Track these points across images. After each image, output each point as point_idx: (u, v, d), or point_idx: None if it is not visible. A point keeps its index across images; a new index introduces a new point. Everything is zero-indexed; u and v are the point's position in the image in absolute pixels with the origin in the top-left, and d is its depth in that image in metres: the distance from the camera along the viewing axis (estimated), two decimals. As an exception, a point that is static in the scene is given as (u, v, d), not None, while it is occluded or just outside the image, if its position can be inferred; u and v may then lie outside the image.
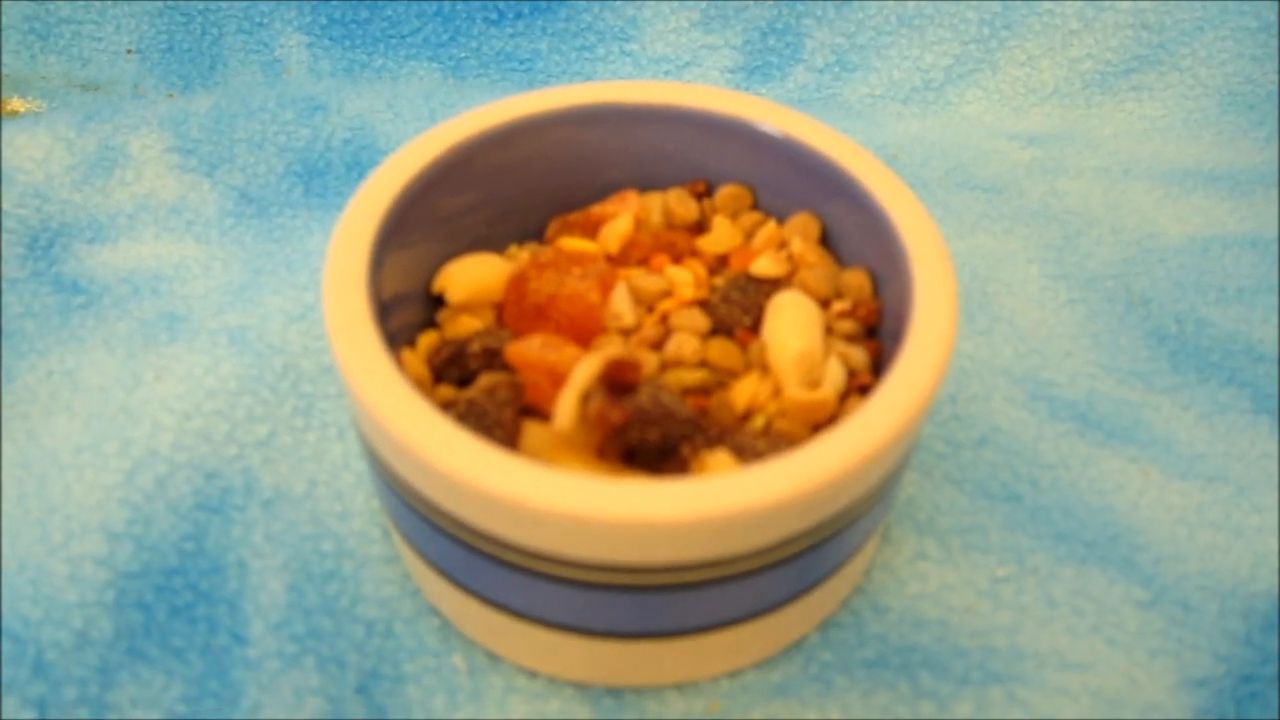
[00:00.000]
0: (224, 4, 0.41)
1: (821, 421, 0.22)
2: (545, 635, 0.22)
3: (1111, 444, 0.28)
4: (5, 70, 0.40)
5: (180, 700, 0.22)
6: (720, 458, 0.21)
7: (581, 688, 0.23)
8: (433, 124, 0.37)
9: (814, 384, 0.22)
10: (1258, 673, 0.24)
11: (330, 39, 0.41)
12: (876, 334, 0.24)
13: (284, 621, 0.24)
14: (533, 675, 0.23)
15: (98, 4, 0.41)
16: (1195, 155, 0.38)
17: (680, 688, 0.23)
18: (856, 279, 0.24)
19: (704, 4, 0.40)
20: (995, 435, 0.28)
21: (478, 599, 0.22)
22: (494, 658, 0.23)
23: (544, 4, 0.41)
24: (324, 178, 0.35)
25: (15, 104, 0.38)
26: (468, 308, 0.25)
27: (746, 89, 0.40)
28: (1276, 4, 0.39)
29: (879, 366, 0.23)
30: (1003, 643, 0.24)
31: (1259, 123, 0.39)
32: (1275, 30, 0.39)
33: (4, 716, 0.22)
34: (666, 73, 0.41)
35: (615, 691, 0.23)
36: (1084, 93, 0.40)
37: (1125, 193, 0.36)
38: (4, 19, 0.40)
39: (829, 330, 0.23)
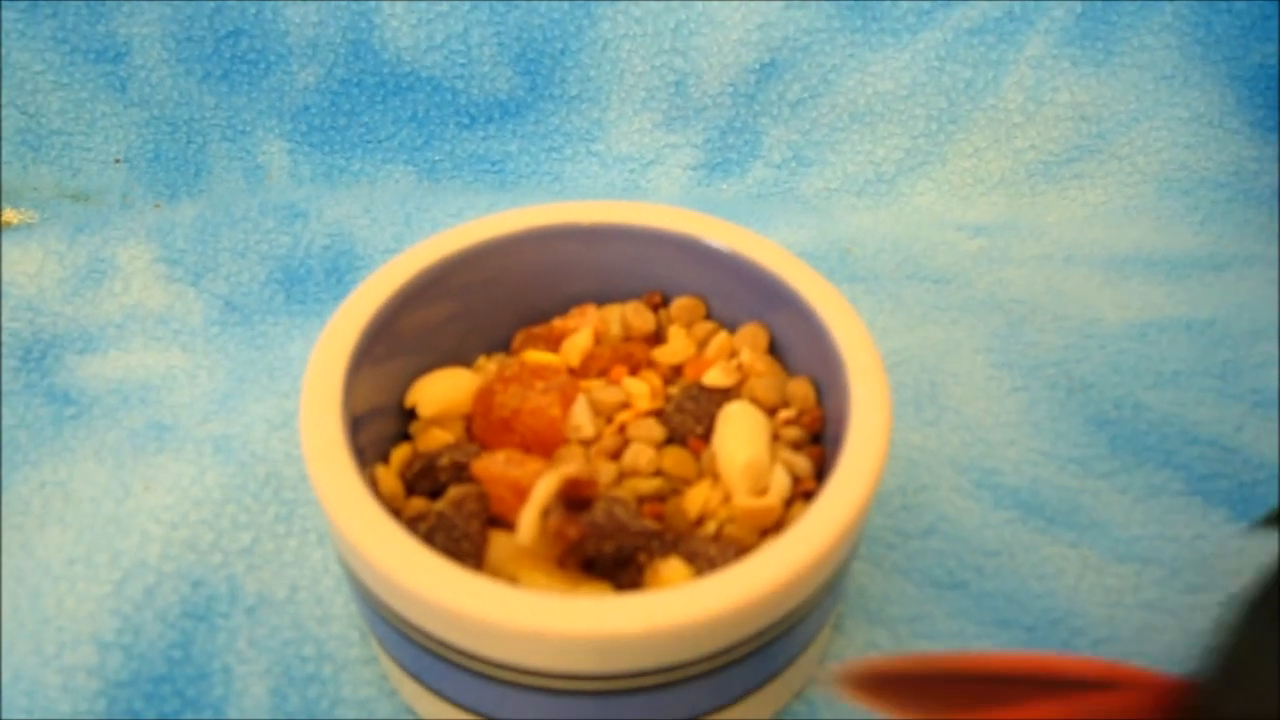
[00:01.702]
0: (207, 113, 0.43)
1: (769, 526, 0.23)
2: (514, 735, 0.23)
3: (1052, 530, 0.29)
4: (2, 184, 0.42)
5: (169, 806, 0.24)
6: (673, 565, 0.22)
7: (550, 784, 0.24)
8: (408, 228, 0.39)
9: (761, 491, 0.24)
10: (1191, 751, 0.25)
11: (310, 145, 0.43)
12: (820, 439, 0.25)
13: (267, 726, 0.25)
14: (504, 772, 0.24)
15: (86, 115, 0.43)
16: (1134, 240, 0.40)
17: (643, 781, 0.24)
18: (801, 388, 0.26)
19: (665, 105, 0.43)
20: (942, 524, 0.29)
21: (450, 702, 0.23)
22: (467, 756, 0.25)
23: (513, 108, 0.43)
24: (304, 284, 0.37)
25: (9, 215, 0.40)
26: (438, 421, 0.26)
27: (708, 185, 0.42)
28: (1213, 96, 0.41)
29: (822, 471, 0.25)
30: (948, 729, 0.25)
31: (1194, 207, 0.41)
32: (1207, 119, 0.42)
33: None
34: (632, 170, 0.43)
35: (582, 786, 0.24)
36: (1028, 182, 0.42)
37: (1067, 280, 0.38)
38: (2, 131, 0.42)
39: (776, 437, 0.25)
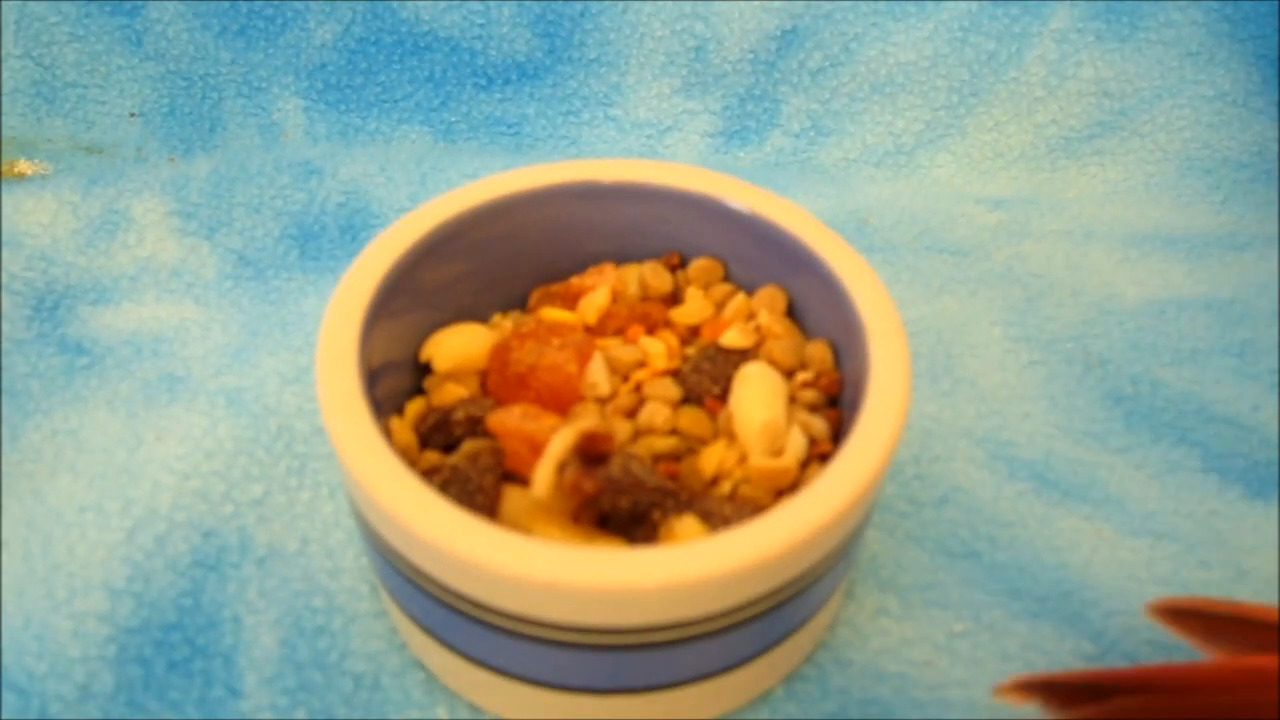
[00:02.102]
0: (223, 68, 0.43)
1: (784, 487, 0.23)
2: (525, 690, 0.23)
3: (1067, 503, 0.29)
4: (12, 133, 0.41)
5: (177, 752, 0.24)
6: (688, 523, 0.22)
7: (559, 739, 0.24)
8: (424, 187, 0.38)
9: (777, 452, 0.24)
10: None
11: (326, 103, 0.43)
12: (838, 403, 0.25)
13: (276, 675, 0.25)
14: (513, 727, 0.24)
15: (102, 68, 0.43)
16: (1154, 219, 0.39)
17: (651, 740, 0.24)
18: (819, 351, 0.25)
19: (684, 71, 0.42)
20: (956, 494, 0.29)
21: (460, 655, 0.23)
22: (476, 710, 0.25)
23: (531, 70, 0.42)
24: (319, 241, 0.36)
25: (22, 166, 0.40)
26: (453, 376, 0.26)
27: (725, 153, 0.42)
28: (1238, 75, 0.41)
29: (839, 434, 0.24)
30: (957, 695, 0.25)
31: (1215, 187, 0.41)
32: (1230, 98, 0.41)
33: (9, 768, 0.23)
34: (649, 136, 0.42)
35: (590, 743, 0.24)
36: (1049, 157, 0.42)
37: (1086, 255, 0.37)
38: (11, 83, 0.42)
39: (792, 399, 0.25)
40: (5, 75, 0.42)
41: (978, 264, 0.37)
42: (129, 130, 0.42)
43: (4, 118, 0.41)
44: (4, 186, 0.37)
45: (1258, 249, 0.38)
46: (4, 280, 0.33)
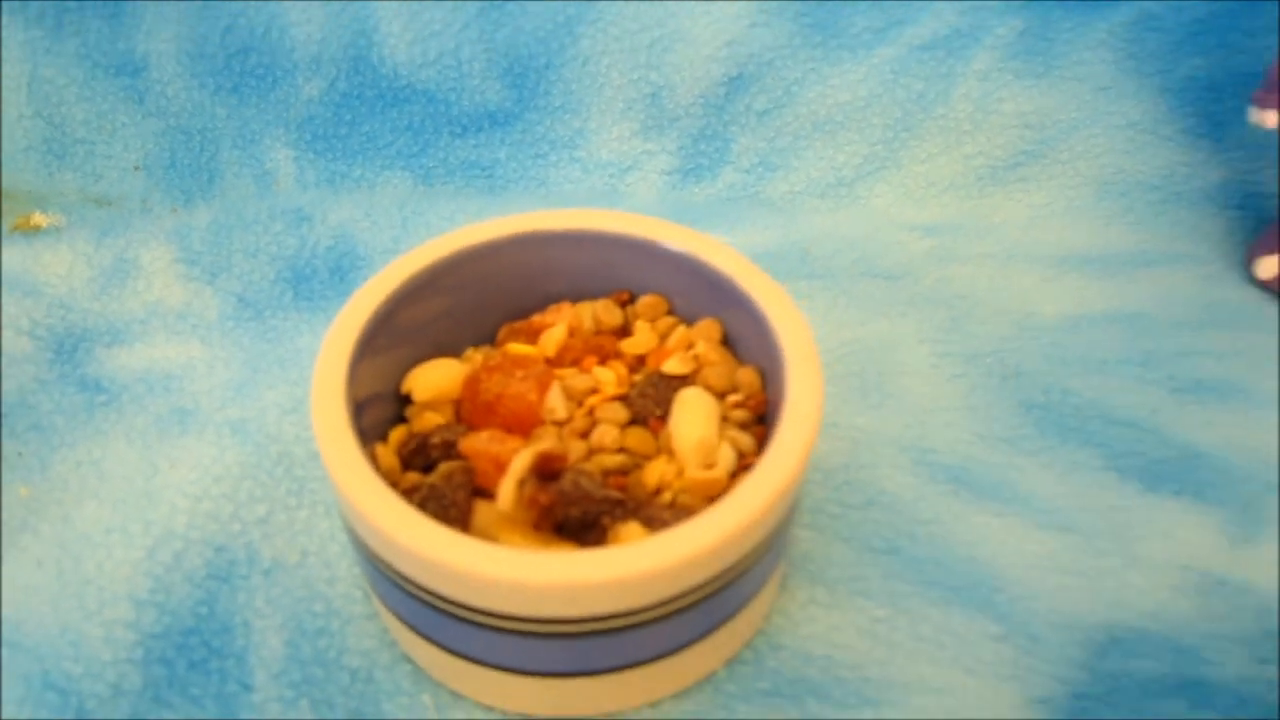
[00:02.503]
0: (219, 123, 0.46)
1: (716, 495, 0.27)
2: (497, 676, 0.26)
3: (981, 502, 0.33)
4: (27, 187, 0.45)
5: (198, 739, 0.27)
6: (632, 528, 0.26)
7: (529, 719, 0.28)
8: (405, 230, 0.42)
9: (710, 465, 0.27)
10: (1090, 691, 0.29)
11: (314, 153, 0.46)
12: (765, 421, 0.29)
13: (282, 671, 0.28)
14: (489, 710, 0.28)
15: (108, 126, 0.46)
16: (1072, 240, 0.43)
17: (610, 717, 0.28)
18: (749, 376, 0.29)
19: (642, 115, 0.46)
20: (881, 497, 0.33)
21: (442, 648, 0.27)
22: (457, 696, 0.28)
23: (502, 118, 0.46)
24: (310, 282, 0.40)
25: (38, 219, 0.43)
26: (431, 405, 0.30)
27: (682, 189, 0.46)
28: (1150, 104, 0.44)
29: (764, 448, 0.28)
30: (876, 673, 0.29)
31: (1129, 209, 0.44)
32: (1142, 126, 0.45)
33: (54, 756, 0.26)
34: (611, 175, 0.46)
35: (557, 722, 0.28)
36: (977, 185, 0.45)
37: (1008, 276, 0.41)
38: (24, 140, 0.46)
39: (725, 419, 0.28)
40: (19, 134, 0.46)
41: (909, 287, 0.40)
42: (134, 183, 0.46)
43: (19, 174, 0.45)
44: (22, 239, 0.41)
45: (1164, 266, 0.42)
46: (28, 326, 0.37)
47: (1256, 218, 0.44)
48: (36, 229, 0.43)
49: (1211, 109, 0.45)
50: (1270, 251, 0.41)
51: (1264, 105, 0.40)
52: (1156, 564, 0.31)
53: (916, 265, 0.42)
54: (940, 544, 0.32)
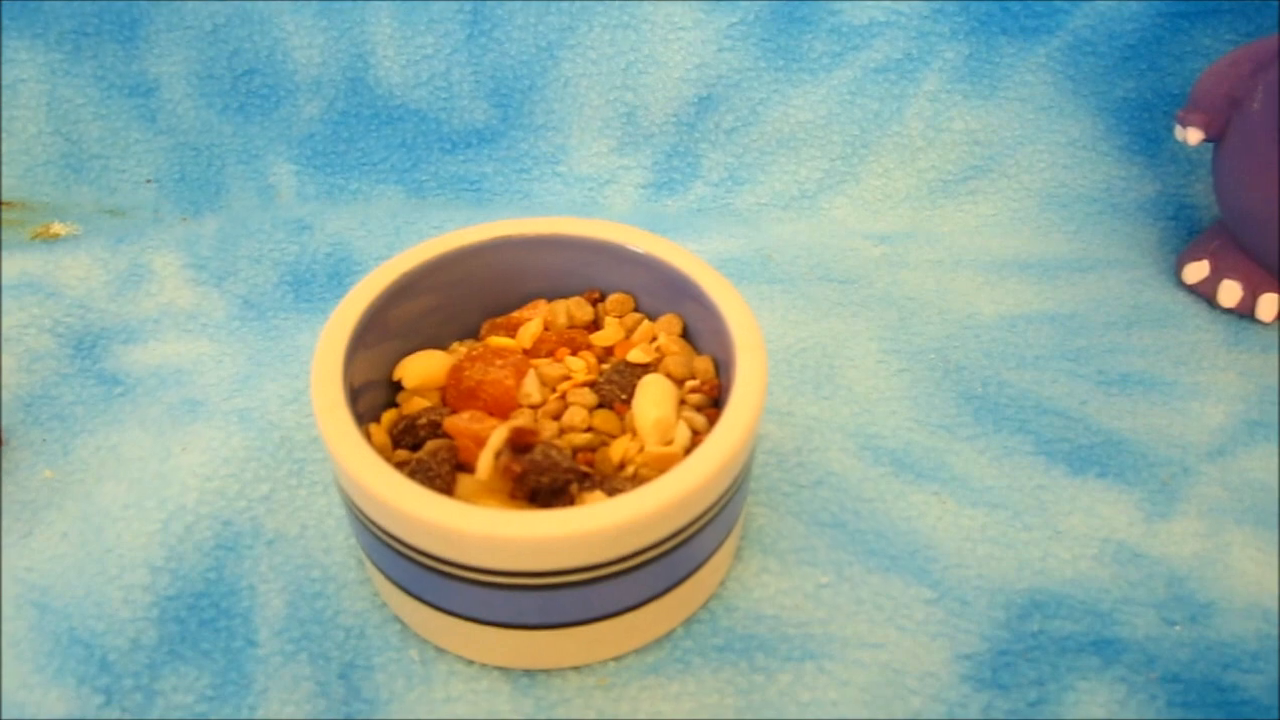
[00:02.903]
0: (226, 139, 0.50)
1: (672, 469, 0.30)
2: (476, 630, 0.30)
3: (919, 482, 0.36)
4: (46, 199, 0.49)
5: (209, 687, 0.30)
6: (596, 496, 0.29)
7: (504, 671, 0.31)
8: (398, 238, 0.45)
9: (667, 442, 0.31)
10: (1011, 648, 0.32)
11: (314, 167, 0.50)
12: (719, 404, 0.32)
13: (284, 629, 0.32)
14: (469, 663, 0.31)
15: (121, 142, 0.50)
16: (1015, 247, 0.47)
17: (578, 669, 0.31)
18: (704, 364, 0.32)
19: (619, 133, 0.50)
20: (829, 477, 0.36)
21: (426, 605, 0.30)
22: (440, 651, 0.31)
23: (489, 135, 0.50)
24: (310, 286, 0.44)
25: (56, 228, 0.47)
26: (419, 391, 0.33)
27: (656, 201, 0.49)
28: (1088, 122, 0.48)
29: (717, 427, 0.31)
30: (818, 631, 0.32)
31: (1069, 219, 0.48)
32: (1082, 143, 0.48)
33: (80, 702, 0.30)
34: (590, 189, 0.49)
35: (529, 673, 0.31)
36: (930, 197, 0.49)
37: (954, 280, 0.45)
38: (44, 155, 0.49)
39: (683, 402, 0.32)
40: (39, 150, 0.49)
41: (861, 290, 0.44)
42: (146, 195, 0.49)
43: (39, 186, 0.49)
44: (43, 246, 0.44)
45: (1099, 270, 0.45)
46: (50, 326, 0.40)
47: (1187, 228, 0.48)
48: (55, 237, 0.46)
49: (1145, 127, 0.48)
50: (1198, 258, 0.45)
51: (1186, 123, 0.43)
52: (1078, 537, 0.35)
53: (869, 270, 0.45)
54: (882, 519, 0.35)
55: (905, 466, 0.37)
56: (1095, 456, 0.37)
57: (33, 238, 0.46)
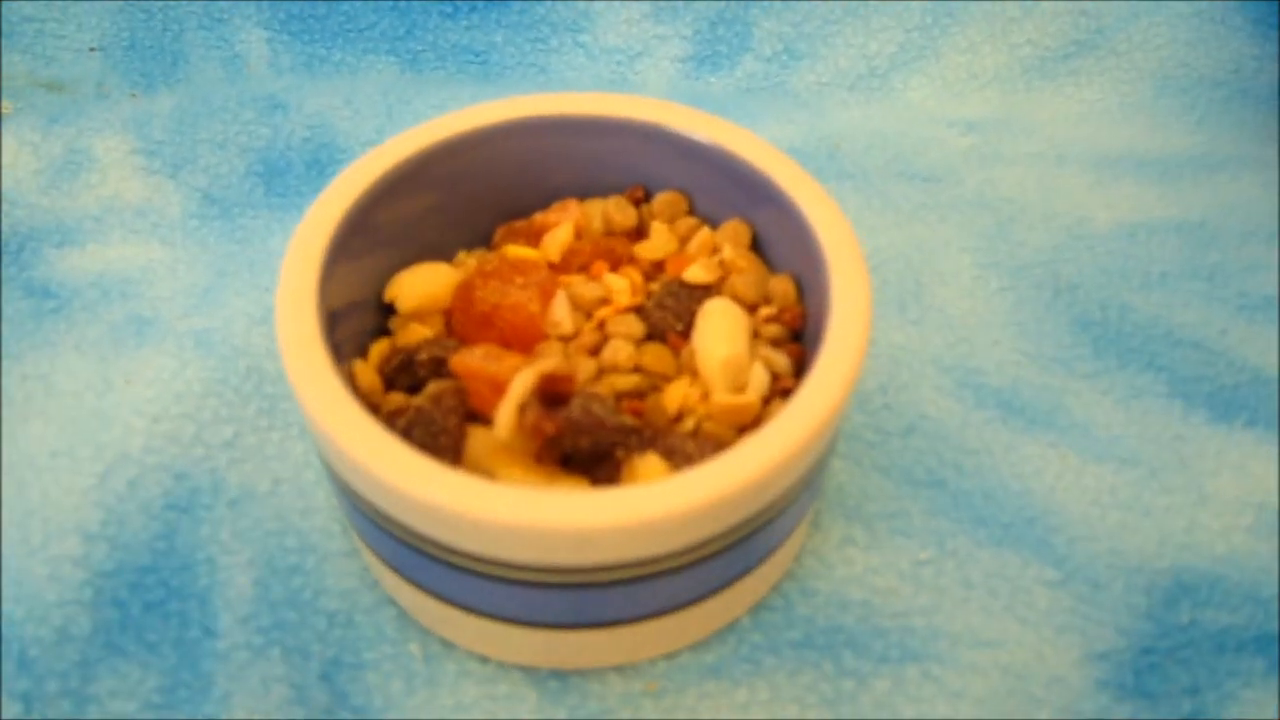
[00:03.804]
0: (185, 1, 0.42)
1: (747, 423, 0.23)
2: (493, 626, 0.23)
3: (1032, 430, 0.30)
4: (-30, 69, 0.41)
5: (155, 691, 0.24)
6: (650, 461, 0.22)
7: (529, 671, 0.25)
8: (390, 120, 0.38)
9: (740, 388, 0.24)
10: (1157, 645, 0.26)
11: (289, 34, 0.42)
12: (800, 338, 0.25)
13: (251, 615, 0.25)
14: (484, 660, 0.25)
15: (60, 2, 0.42)
16: (1127, 140, 0.39)
17: (620, 669, 0.25)
18: (783, 285, 0.25)
19: (654, -5, 0.42)
20: (922, 423, 0.29)
21: (430, 594, 0.23)
22: (448, 645, 0.25)
23: (498, -3, 0.42)
24: (284, 177, 0.36)
25: (-18, 105, 0.39)
26: (417, 315, 0.26)
27: (696, 79, 0.42)
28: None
29: (801, 370, 0.25)
30: (921, 623, 0.25)
31: (1191, 106, 0.40)
32: (1209, 16, 0.41)
33: (-9, 710, 0.23)
34: (618, 63, 0.42)
35: (560, 674, 0.25)
36: (1023, 78, 0.41)
37: (1058, 179, 0.37)
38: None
39: (755, 335, 0.25)
40: (-40, 10, 0.41)
41: (948, 189, 0.36)
42: (89, 65, 0.41)
43: (-39, 54, 0.41)
44: (-37, 126, 0.37)
45: (1230, 170, 0.38)
46: (-34, 223, 0.33)
47: (1331, 118, 0.40)
48: (-20, 115, 0.39)
49: (1286, -5, 0.40)
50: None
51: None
52: (1228, 502, 0.28)
53: (956, 166, 0.37)
54: (989, 476, 0.28)
55: (1014, 410, 0.30)
56: (1242, 399, 0.31)
57: (-47, 115, 0.39)
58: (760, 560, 0.24)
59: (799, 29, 0.42)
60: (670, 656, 0.25)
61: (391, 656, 0.25)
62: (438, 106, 0.38)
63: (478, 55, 0.42)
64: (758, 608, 0.26)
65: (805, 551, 0.27)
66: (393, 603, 0.26)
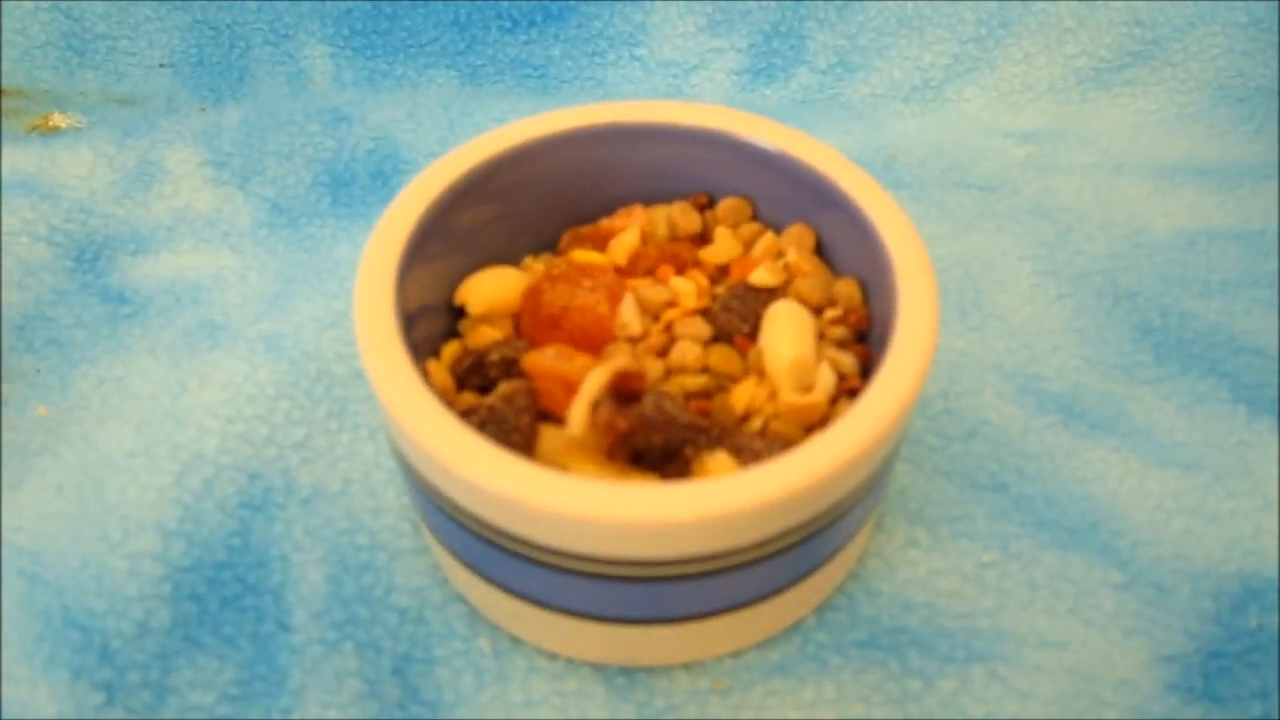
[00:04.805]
0: (250, 16, 0.43)
1: (814, 423, 0.24)
2: (563, 621, 0.24)
3: (1094, 435, 0.30)
4: (45, 86, 0.42)
5: (232, 683, 0.25)
6: (720, 458, 0.22)
7: (597, 667, 0.25)
8: (451, 132, 0.39)
9: (806, 388, 0.24)
10: (1226, 649, 0.25)
11: (352, 49, 0.43)
12: (866, 339, 0.26)
13: (324, 610, 0.26)
14: (553, 657, 0.25)
15: (130, 20, 0.43)
16: (1185, 149, 0.39)
17: (687, 667, 0.25)
18: (847, 288, 0.26)
19: (710, 8, 0.42)
20: (984, 428, 0.30)
21: (500, 589, 0.24)
22: (517, 641, 0.25)
23: (556, 11, 0.42)
24: (350, 188, 0.37)
25: (56, 119, 0.40)
26: (487, 318, 0.26)
27: (752, 91, 0.42)
28: (1275, 2, 0.40)
29: (868, 370, 0.25)
30: (986, 624, 0.25)
31: (1248, 116, 0.40)
32: (1266, 25, 0.40)
33: (75, 701, 0.24)
34: (675, 76, 0.42)
35: (628, 671, 0.25)
36: (1078, 89, 0.41)
37: (1116, 188, 0.37)
38: (42, 36, 0.42)
39: (821, 336, 0.25)
40: (36, 29, 0.42)
41: (1006, 199, 0.37)
42: (159, 81, 0.42)
43: (36, 72, 0.42)
44: (40, 140, 0.38)
45: (1290, 178, 0.38)
46: (45, 233, 0.34)
47: (1392, 126, 0.40)
48: (55, 130, 0.40)
49: (1345, 4, 0.40)
50: None
51: None
52: (1295, 508, 0.28)
53: (1013, 175, 0.38)
54: (1051, 481, 0.28)
55: (1076, 415, 0.30)
56: (1306, 406, 0.30)
57: (30, 130, 0.40)
58: (826, 559, 0.24)
59: (853, 41, 0.42)
60: (737, 655, 0.25)
61: (461, 652, 0.25)
62: (497, 119, 0.39)
63: (536, 69, 0.43)
64: (823, 608, 0.26)
65: (869, 553, 0.27)
66: (462, 600, 0.26)
